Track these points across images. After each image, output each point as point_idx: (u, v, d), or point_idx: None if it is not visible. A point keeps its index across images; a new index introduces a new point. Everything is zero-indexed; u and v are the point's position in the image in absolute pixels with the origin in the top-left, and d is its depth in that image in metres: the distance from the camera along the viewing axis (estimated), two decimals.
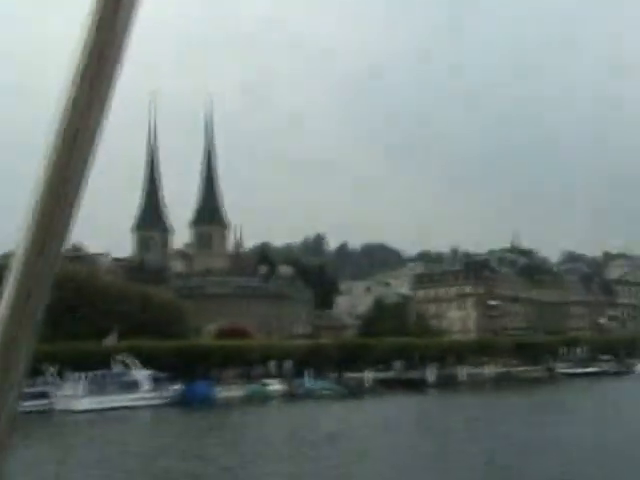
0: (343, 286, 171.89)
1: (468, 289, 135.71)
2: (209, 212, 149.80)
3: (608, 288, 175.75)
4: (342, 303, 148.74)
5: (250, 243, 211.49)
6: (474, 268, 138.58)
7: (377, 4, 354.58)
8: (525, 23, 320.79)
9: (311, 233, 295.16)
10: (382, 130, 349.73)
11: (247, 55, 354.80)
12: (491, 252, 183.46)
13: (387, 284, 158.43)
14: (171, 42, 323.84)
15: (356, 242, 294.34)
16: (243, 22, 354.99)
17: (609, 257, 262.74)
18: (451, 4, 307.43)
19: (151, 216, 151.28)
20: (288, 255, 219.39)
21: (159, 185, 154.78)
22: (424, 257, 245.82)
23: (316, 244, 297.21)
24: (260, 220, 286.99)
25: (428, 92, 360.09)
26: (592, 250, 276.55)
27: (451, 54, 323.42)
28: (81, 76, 0.97)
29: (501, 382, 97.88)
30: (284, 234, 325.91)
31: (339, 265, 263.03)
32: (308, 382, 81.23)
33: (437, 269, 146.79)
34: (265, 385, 79.92)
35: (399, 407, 68.60)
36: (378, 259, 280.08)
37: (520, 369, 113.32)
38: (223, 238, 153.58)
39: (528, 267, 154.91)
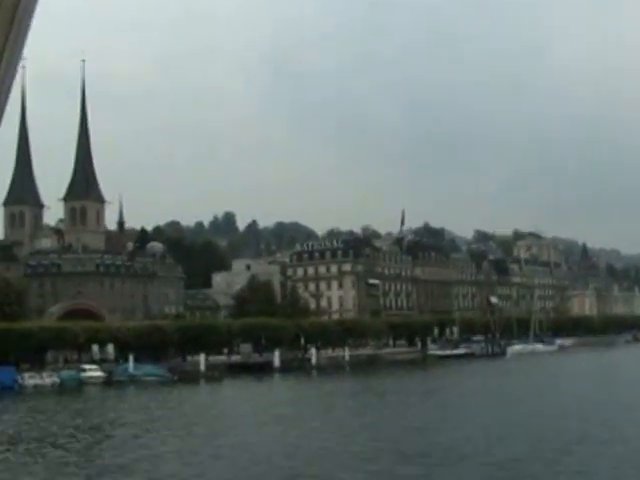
0: (235, 265, 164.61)
1: (347, 267, 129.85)
2: (83, 186, 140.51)
3: (503, 267, 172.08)
4: (221, 282, 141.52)
5: (161, 221, 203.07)
6: (354, 246, 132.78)
7: None
8: None
9: (220, 211, 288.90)
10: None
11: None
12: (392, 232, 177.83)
13: (272, 263, 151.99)
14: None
15: (270, 220, 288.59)
16: None
17: (518, 236, 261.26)
18: None
19: (21, 190, 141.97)
20: (187, 234, 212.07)
21: (30, 157, 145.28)
22: (333, 235, 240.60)
23: (226, 222, 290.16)
24: (170, 198, 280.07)
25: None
26: (503, 229, 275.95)
27: None
28: None
29: (364, 366, 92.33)
30: (195, 213, 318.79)
31: (246, 243, 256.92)
32: (132, 367, 74.71)
33: (317, 247, 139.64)
34: (82, 371, 73.10)
35: (214, 395, 62.95)
36: (289, 238, 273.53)
37: (390, 351, 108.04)
38: (99, 214, 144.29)
39: (415, 245, 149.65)
